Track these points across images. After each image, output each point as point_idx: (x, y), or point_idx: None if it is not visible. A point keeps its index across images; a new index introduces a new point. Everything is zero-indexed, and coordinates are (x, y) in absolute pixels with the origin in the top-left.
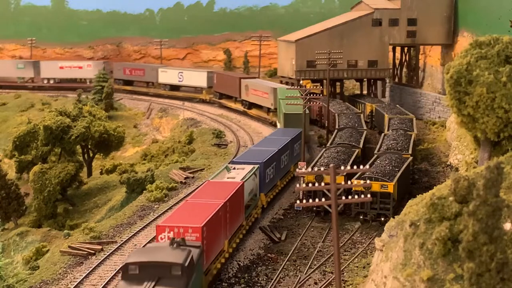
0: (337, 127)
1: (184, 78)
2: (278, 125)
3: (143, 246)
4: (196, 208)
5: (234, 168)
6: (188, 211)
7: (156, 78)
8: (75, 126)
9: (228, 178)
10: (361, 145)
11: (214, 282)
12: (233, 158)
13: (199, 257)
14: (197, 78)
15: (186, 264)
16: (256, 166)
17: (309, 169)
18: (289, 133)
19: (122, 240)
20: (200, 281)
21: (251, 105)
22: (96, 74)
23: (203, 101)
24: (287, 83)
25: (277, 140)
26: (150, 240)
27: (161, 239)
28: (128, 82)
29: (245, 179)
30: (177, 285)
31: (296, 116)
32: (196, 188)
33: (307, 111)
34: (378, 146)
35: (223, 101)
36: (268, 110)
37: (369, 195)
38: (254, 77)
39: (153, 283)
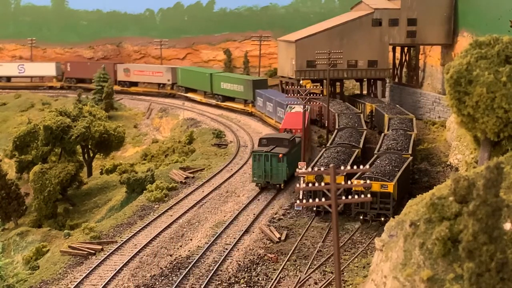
0: (337, 127)
1: (27, 70)
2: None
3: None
4: (296, 117)
5: (294, 107)
6: (294, 119)
7: None
8: (75, 126)
9: (295, 110)
10: (361, 145)
11: None
12: (287, 105)
13: (299, 142)
14: (44, 69)
15: (290, 139)
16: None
17: (309, 169)
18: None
19: (122, 240)
20: (298, 156)
21: (132, 84)
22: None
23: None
24: (287, 83)
25: (273, 93)
26: (150, 239)
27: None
28: None
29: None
30: (285, 147)
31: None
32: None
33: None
34: (378, 146)
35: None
36: (164, 85)
37: (369, 195)
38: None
39: (273, 146)
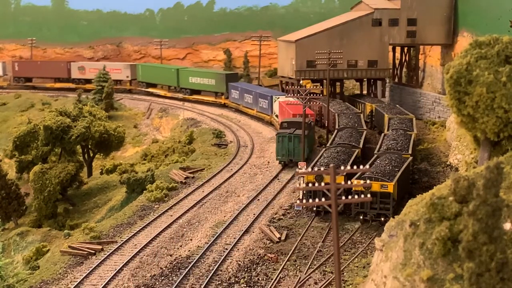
0: (337, 127)
1: None
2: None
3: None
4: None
5: (278, 98)
6: (296, 108)
7: None
8: (75, 126)
9: (284, 99)
10: (361, 145)
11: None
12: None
13: (314, 126)
14: None
15: (308, 123)
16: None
17: (309, 169)
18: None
19: (122, 240)
20: (313, 138)
21: (87, 81)
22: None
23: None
24: (287, 83)
25: (249, 86)
26: (150, 239)
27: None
28: None
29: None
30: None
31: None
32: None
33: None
34: (378, 146)
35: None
36: (121, 82)
37: (369, 195)
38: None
39: (294, 129)
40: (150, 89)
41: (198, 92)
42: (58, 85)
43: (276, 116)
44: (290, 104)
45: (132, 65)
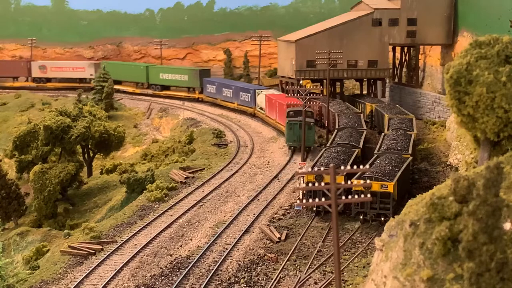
0: (337, 127)
1: None
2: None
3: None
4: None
5: (261, 91)
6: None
7: None
8: (75, 126)
9: (268, 93)
10: (361, 145)
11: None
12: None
13: (313, 115)
14: None
15: (313, 112)
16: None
17: (309, 169)
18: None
19: (122, 240)
20: (314, 129)
21: (48, 80)
22: None
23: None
24: (287, 83)
25: (227, 81)
26: (150, 239)
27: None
28: None
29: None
30: (311, 118)
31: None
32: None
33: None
34: (378, 146)
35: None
36: (85, 80)
37: (369, 195)
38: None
39: (299, 117)
40: (117, 86)
41: (168, 88)
42: (17, 84)
43: (260, 108)
44: (277, 96)
45: (96, 63)
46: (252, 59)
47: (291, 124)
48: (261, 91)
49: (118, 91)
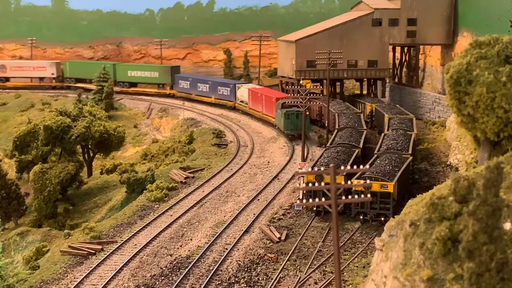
0: (337, 127)
1: None
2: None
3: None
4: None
5: (242, 86)
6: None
7: None
8: (75, 126)
9: (251, 86)
10: (361, 145)
11: None
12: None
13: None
14: None
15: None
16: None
17: (309, 169)
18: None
19: (122, 240)
20: (308, 118)
21: (7, 80)
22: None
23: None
24: (287, 83)
25: (202, 77)
26: (150, 239)
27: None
28: None
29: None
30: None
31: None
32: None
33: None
34: (378, 146)
35: None
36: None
37: (369, 195)
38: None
39: (295, 108)
40: (79, 84)
41: (135, 85)
42: None
43: (241, 102)
44: (261, 90)
45: (57, 62)
46: (252, 59)
47: (288, 114)
48: (242, 85)
49: (83, 89)
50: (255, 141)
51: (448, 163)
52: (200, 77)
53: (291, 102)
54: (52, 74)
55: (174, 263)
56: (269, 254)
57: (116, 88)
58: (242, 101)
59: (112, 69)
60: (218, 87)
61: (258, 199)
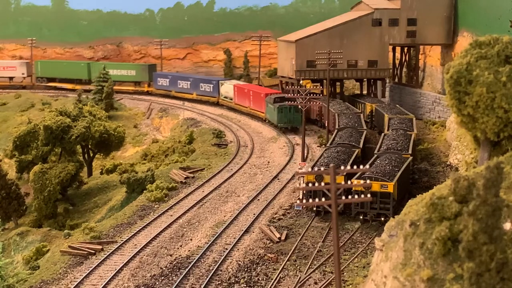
0: (337, 127)
1: None
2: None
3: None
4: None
5: (225, 82)
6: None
7: None
8: (75, 126)
9: (235, 83)
10: (361, 145)
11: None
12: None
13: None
14: None
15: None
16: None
17: (309, 169)
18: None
19: (122, 240)
20: (300, 112)
21: None
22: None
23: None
24: (287, 83)
25: (183, 74)
26: (150, 239)
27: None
28: None
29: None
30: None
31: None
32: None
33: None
34: (378, 146)
35: None
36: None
37: (369, 195)
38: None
39: (286, 102)
40: (52, 84)
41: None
42: None
43: (225, 97)
44: (247, 86)
45: (28, 62)
46: (252, 59)
47: (281, 108)
48: (225, 82)
49: (55, 88)
50: (255, 141)
51: (448, 163)
52: (180, 75)
53: (282, 96)
54: (23, 74)
55: (174, 263)
56: (269, 254)
57: (91, 87)
58: (226, 97)
59: (87, 68)
60: (200, 84)
61: (258, 199)
